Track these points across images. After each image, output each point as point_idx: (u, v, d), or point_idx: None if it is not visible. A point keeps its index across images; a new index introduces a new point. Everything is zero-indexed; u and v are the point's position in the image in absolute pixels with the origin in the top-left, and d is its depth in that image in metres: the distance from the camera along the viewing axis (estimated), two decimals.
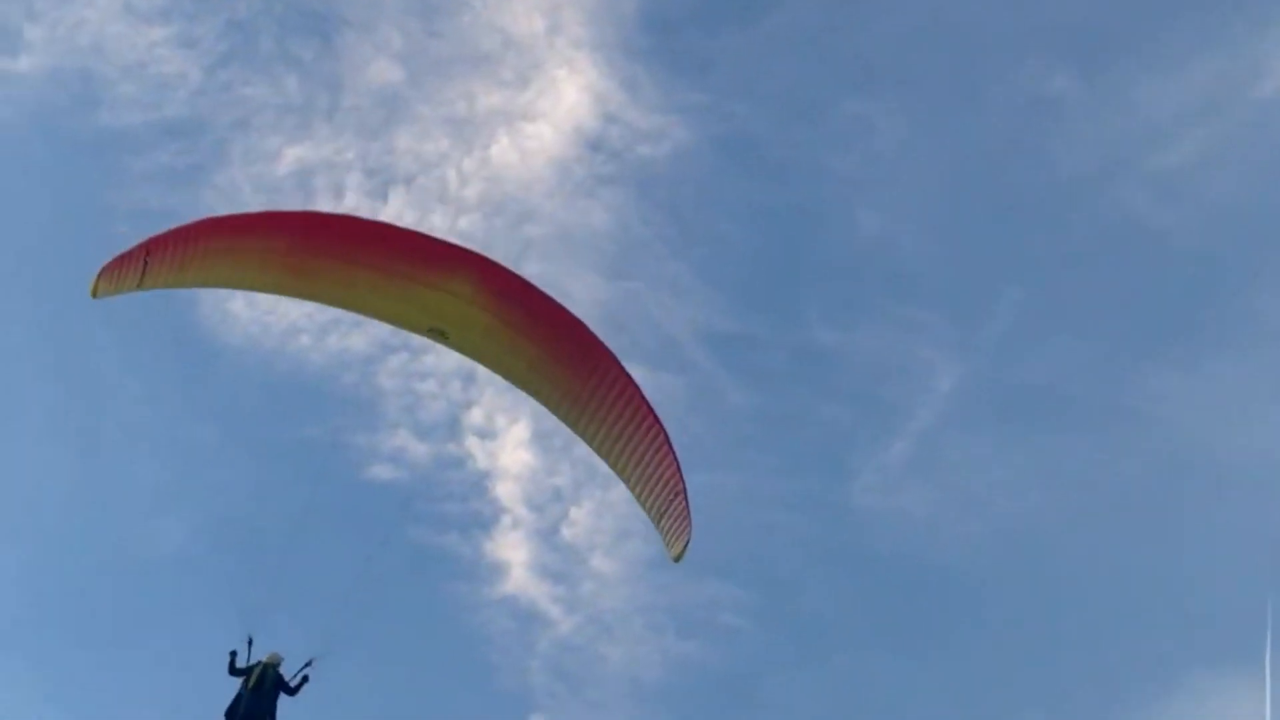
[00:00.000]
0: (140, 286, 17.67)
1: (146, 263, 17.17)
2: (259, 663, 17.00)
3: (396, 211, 49.90)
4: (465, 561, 49.64)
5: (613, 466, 19.12)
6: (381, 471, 47.97)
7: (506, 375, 19.67)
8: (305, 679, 17.17)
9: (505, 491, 50.03)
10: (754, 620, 50.59)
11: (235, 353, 49.42)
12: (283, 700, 17.46)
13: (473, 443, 49.66)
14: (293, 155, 48.94)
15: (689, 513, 18.14)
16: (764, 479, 52.53)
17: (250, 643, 16.96)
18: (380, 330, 50.19)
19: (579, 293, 50.36)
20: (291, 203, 48.45)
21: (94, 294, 17.10)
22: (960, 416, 53.30)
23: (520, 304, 18.71)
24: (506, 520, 50.09)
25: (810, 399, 53.83)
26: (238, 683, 17.09)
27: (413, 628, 50.12)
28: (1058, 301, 54.25)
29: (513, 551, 49.69)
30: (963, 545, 52.69)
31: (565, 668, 48.90)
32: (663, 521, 18.54)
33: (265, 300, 47.02)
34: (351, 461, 47.48)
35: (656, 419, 18.42)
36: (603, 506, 50.98)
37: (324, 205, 48.75)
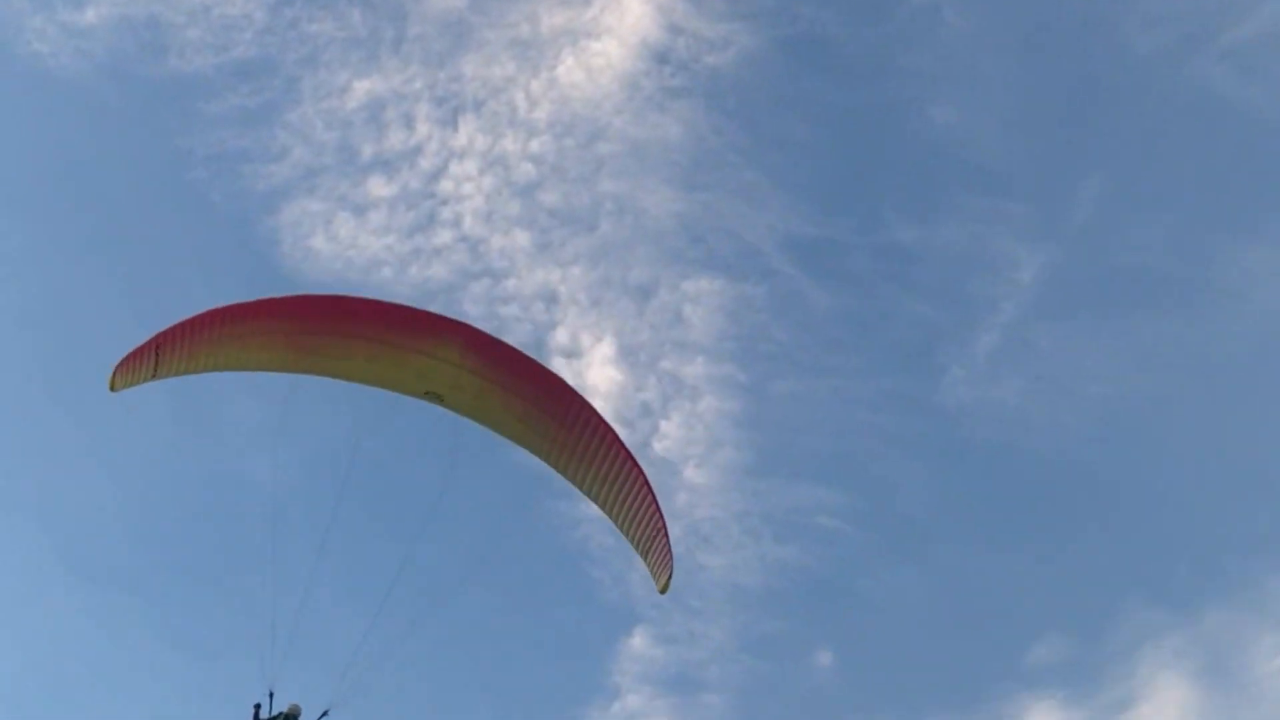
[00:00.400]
0: (155, 377, 19.22)
1: (158, 356, 18.72)
2: (281, 713, 18.40)
3: (468, 138, 50.12)
4: (560, 480, 51.27)
5: (601, 508, 20.55)
6: None
7: (500, 431, 21.08)
8: None
9: (596, 407, 51.26)
10: (850, 521, 50.94)
11: (319, 289, 49.92)
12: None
13: (559, 363, 49.20)
14: (362, 89, 49.40)
15: (670, 550, 19.56)
16: (853, 381, 52.54)
17: (271, 696, 18.39)
18: (461, 257, 49.62)
19: (654, 207, 51.11)
20: (366, 137, 49.69)
21: (112, 388, 18.66)
22: (1047, 305, 52.61)
23: (504, 366, 20.20)
24: None
25: (894, 298, 53.58)
26: None
27: (515, 549, 52.57)
28: (1141, 182, 53.28)
29: None
30: (1057, 433, 52.43)
31: None
32: (648, 558, 19.97)
33: (346, 234, 48.63)
34: None
35: (637, 465, 19.86)
36: (692, 418, 51.14)
37: (397, 137, 49.60)
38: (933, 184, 54.08)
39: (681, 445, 51.13)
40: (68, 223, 51.82)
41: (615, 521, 20.37)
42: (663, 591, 19.80)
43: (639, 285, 51.87)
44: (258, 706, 18.46)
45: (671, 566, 19.57)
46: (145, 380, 19.05)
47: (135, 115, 51.83)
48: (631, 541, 20.20)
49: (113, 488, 49.61)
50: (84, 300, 51.29)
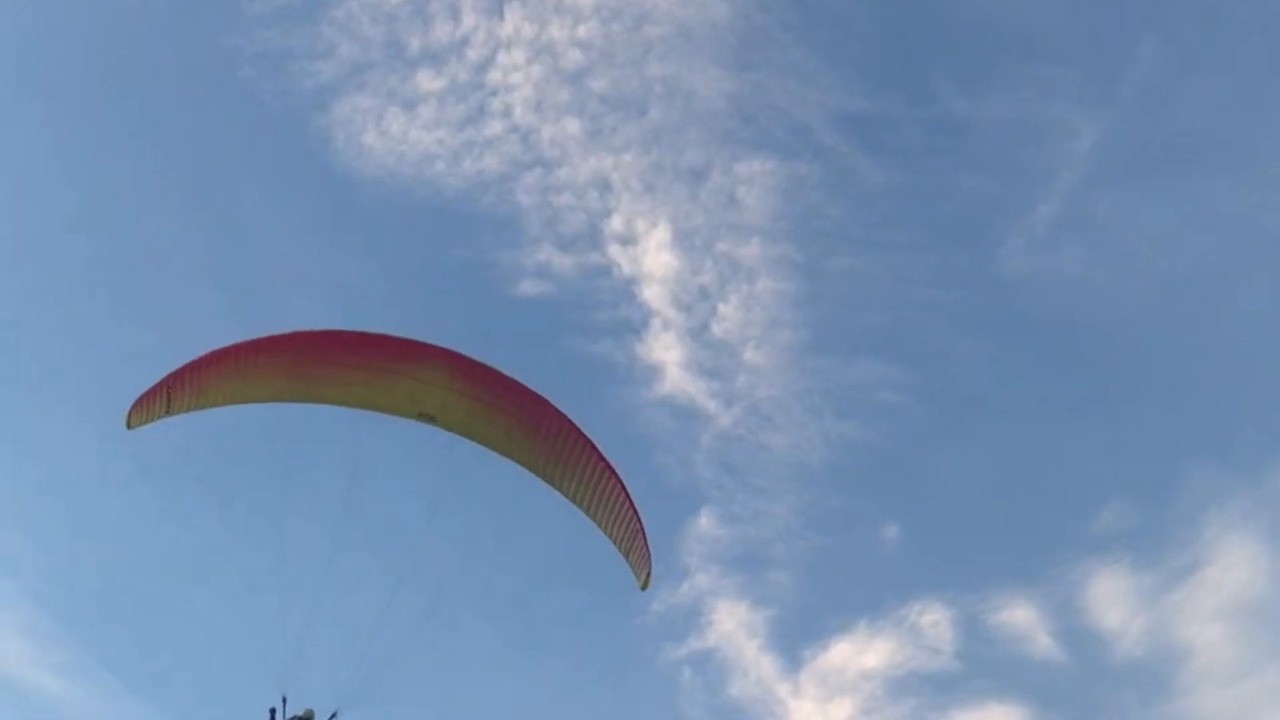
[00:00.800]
0: (169, 414, 20.94)
1: (169, 395, 20.45)
2: (295, 717, 20.04)
3: (514, 27, 50.77)
4: (620, 367, 51.56)
5: (585, 512, 22.19)
6: (530, 287, 50.81)
7: (490, 445, 22.70)
8: None
9: (652, 295, 51.63)
10: (910, 395, 52.13)
11: (374, 185, 50.75)
12: None
13: (615, 250, 51.41)
14: None
15: (648, 550, 21.23)
16: (910, 256, 53.23)
17: (284, 701, 20.03)
18: (512, 146, 50.69)
19: (704, 89, 51.64)
20: (412, 30, 50.20)
21: (128, 426, 20.41)
22: (1105, 173, 52.54)
23: (489, 387, 21.84)
24: (656, 323, 51.85)
25: (949, 171, 53.71)
26: None
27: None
28: (1198, 43, 52.11)
29: (666, 353, 51.62)
30: (1118, 301, 52.77)
31: (729, 459, 51.33)
32: (630, 557, 21.63)
33: (397, 129, 49.50)
34: (500, 280, 50.89)
35: (614, 473, 21.51)
36: (750, 300, 51.99)
37: (443, 29, 50.04)
38: (984, 54, 53.97)
39: (740, 327, 51.72)
40: (120, 127, 52.85)
41: (598, 524, 22.00)
42: (643, 588, 21.45)
43: (692, 169, 52.26)
44: (273, 711, 20.07)
45: (650, 564, 21.21)
46: (159, 418, 20.76)
47: (180, 16, 52.58)
48: (614, 542, 21.83)
49: None
50: (141, 208, 52.62)
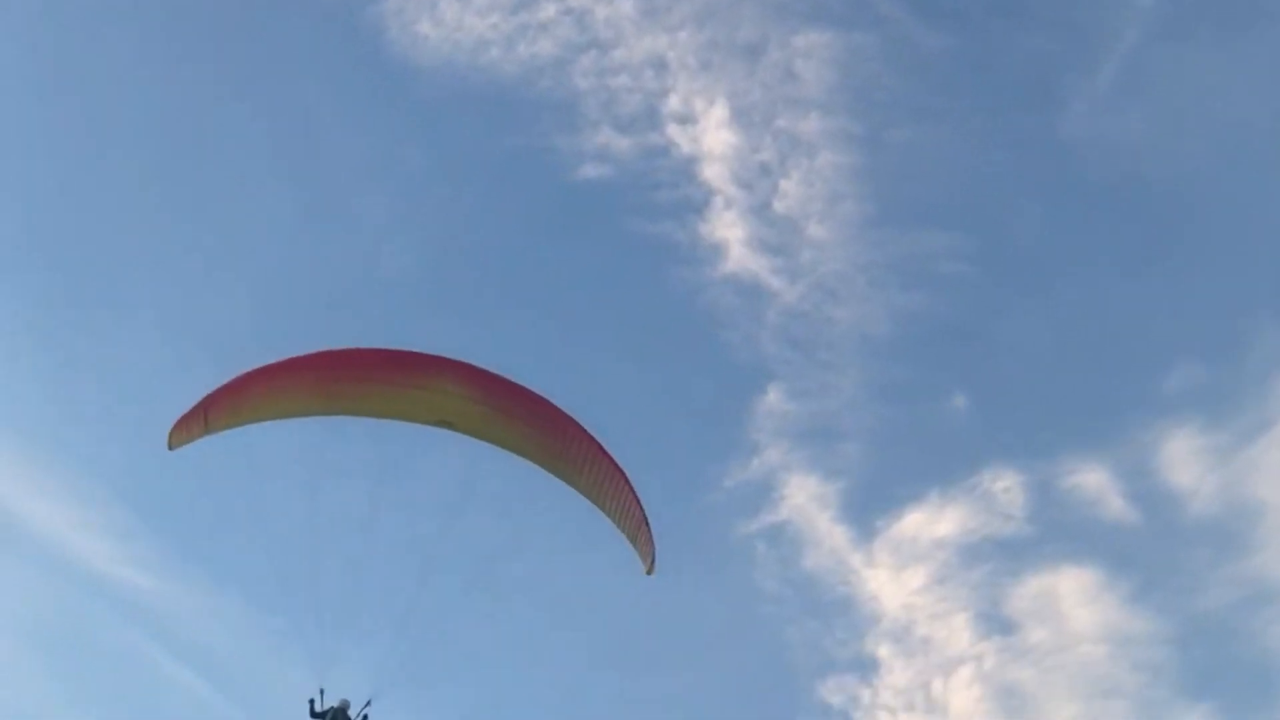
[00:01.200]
0: (206, 433, 22.87)
1: (207, 418, 22.37)
2: (331, 707, 21.84)
3: None
4: (683, 247, 51.95)
5: (595, 504, 23.87)
6: (589, 171, 51.15)
7: (505, 446, 24.40)
8: (365, 718, 21.90)
9: (713, 173, 51.60)
10: (974, 264, 51.97)
11: (430, 74, 51.07)
12: None
13: (674, 130, 51.44)
14: None
15: (652, 540, 22.87)
16: (970, 121, 53.27)
17: (322, 692, 21.83)
18: (567, 29, 50.76)
19: None
20: None
21: (170, 447, 22.36)
22: (1169, 29, 51.49)
23: (502, 395, 23.59)
24: (718, 201, 51.84)
25: (1008, 33, 52.98)
26: None
27: (643, 319, 53.02)
28: None
29: (729, 231, 51.66)
30: (1183, 159, 51.92)
31: (795, 335, 51.77)
32: (635, 544, 23.28)
33: (450, 15, 49.85)
34: (558, 165, 51.11)
35: (619, 469, 23.18)
36: (811, 174, 51.96)
37: None
38: None
39: (802, 203, 51.81)
40: (179, 28, 53.84)
41: (606, 514, 23.67)
42: (649, 573, 23.10)
43: (748, 44, 52.28)
44: (312, 702, 21.89)
45: (654, 553, 22.85)
46: (198, 437, 22.70)
47: None
48: (621, 529, 23.49)
49: (245, 281, 51.56)
50: (201, 104, 53.32)
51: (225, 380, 22.82)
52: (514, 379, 23.70)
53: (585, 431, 23.19)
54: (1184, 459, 48.69)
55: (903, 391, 52.42)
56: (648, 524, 22.92)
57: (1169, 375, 50.09)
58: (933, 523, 50.21)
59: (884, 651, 49.12)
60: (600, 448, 23.15)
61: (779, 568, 49.89)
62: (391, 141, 54.01)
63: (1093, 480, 49.04)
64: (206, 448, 22.92)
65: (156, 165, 53.09)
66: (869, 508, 51.40)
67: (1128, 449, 49.56)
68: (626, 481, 23.01)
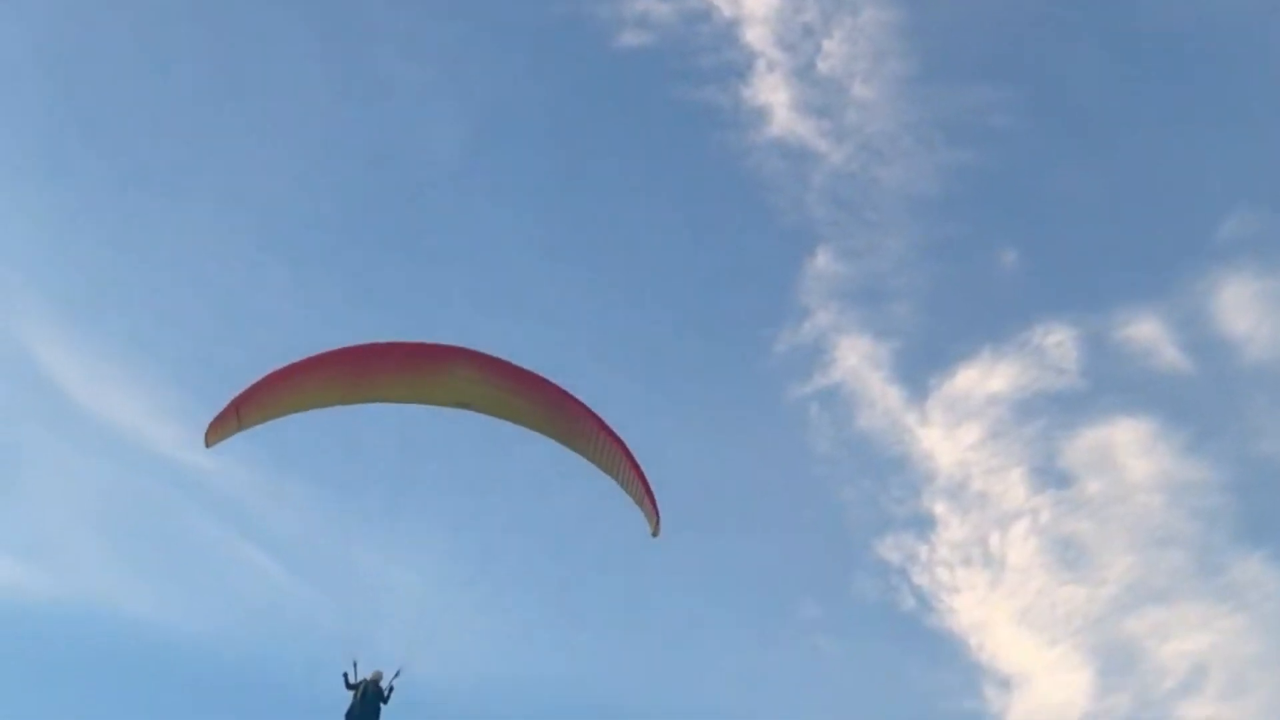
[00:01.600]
0: (240, 429, 24.78)
1: (240, 416, 24.26)
2: (364, 680, 23.68)
3: None
4: (726, 112, 52.37)
5: (603, 471, 25.56)
6: (631, 38, 51.33)
7: (519, 423, 26.16)
8: (392, 689, 23.63)
9: (755, 36, 51.88)
10: (1024, 117, 51.96)
11: None
12: None
13: None
14: None
15: (656, 506, 24.52)
16: None
17: (355, 665, 23.67)
18: None
19: None
20: None
21: (206, 445, 24.30)
22: None
23: (512, 378, 25.28)
24: (761, 64, 52.10)
25: None
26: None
27: (689, 187, 53.54)
28: None
29: (772, 94, 52.04)
30: (1239, 6, 51.00)
31: (842, 196, 52.07)
32: (641, 506, 24.98)
33: None
34: (599, 33, 51.16)
35: (621, 443, 24.84)
36: (854, 33, 51.81)
37: None
38: None
39: (846, 62, 51.66)
40: None
41: (616, 481, 25.36)
42: (654, 535, 24.80)
43: None
44: (346, 675, 23.77)
45: (658, 516, 24.53)
46: (232, 434, 24.59)
47: None
48: (627, 493, 25.16)
49: (295, 156, 52.48)
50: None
51: (254, 380, 24.62)
52: (519, 364, 25.39)
53: (586, 408, 24.87)
54: (1238, 306, 48.67)
55: (952, 249, 52.53)
56: (651, 494, 24.57)
57: (1222, 223, 49.52)
58: (985, 379, 50.58)
59: (940, 508, 50.29)
60: (605, 425, 24.82)
61: (833, 430, 50.88)
62: (428, 14, 54.02)
63: (1146, 331, 49.14)
64: None
65: (196, 43, 53.65)
66: (921, 366, 51.93)
67: (1181, 298, 49.39)
68: (627, 455, 24.66)
